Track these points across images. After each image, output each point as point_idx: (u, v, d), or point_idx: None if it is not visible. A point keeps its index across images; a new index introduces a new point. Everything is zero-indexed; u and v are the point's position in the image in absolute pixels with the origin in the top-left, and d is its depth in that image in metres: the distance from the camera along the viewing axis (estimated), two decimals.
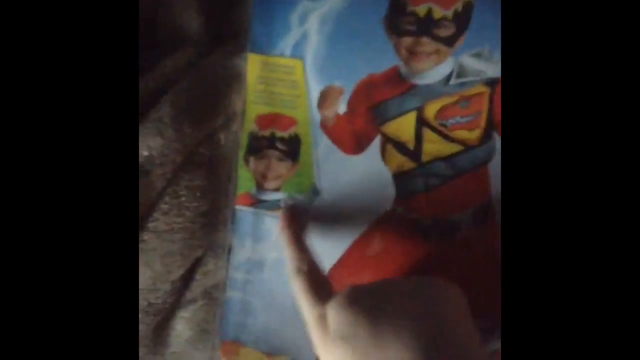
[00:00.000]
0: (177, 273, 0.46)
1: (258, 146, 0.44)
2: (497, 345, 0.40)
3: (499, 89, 0.38)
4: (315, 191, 0.43)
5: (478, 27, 0.38)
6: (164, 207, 0.44)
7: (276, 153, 0.44)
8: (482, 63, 0.38)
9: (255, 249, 0.45)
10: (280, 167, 0.44)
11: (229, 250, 0.46)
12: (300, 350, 0.45)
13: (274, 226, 0.44)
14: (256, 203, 0.45)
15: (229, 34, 0.45)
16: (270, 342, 0.46)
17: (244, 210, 0.45)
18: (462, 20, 0.38)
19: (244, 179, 0.45)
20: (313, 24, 0.41)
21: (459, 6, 0.38)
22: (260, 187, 0.44)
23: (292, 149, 0.43)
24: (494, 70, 0.38)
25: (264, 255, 0.45)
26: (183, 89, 0.44)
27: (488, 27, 0.38)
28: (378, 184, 0.42)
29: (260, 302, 0.46)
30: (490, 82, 0.38)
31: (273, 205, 0.44)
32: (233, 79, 0.44)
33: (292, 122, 0.43)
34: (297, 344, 0.45)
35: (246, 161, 0.44)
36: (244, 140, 0.44)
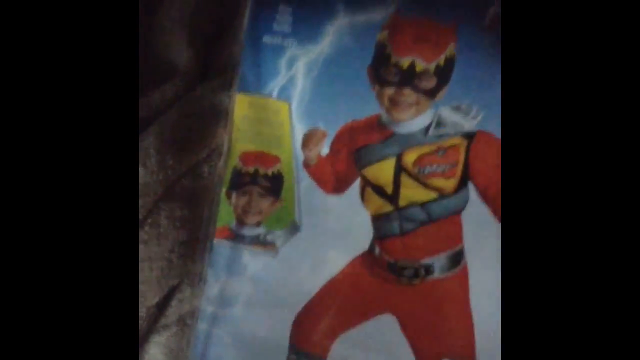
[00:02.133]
0: (153, 300, 0.46)
1: (241, 182, 0.45)
2: None
3: (475, 141, 0.40)
4: (295, 227, 0.44)
5: (459, 81, 0.40)
6: (144, 236, 0.45)
7: (258, 189, 0.45)
8: (461, 116, 0.40)
9: (229, 283, 0.46)
10: (261, 203, 0.45)
11: (205, 281, 0.46)
12: None
13: (251, 261, 0.45)
14: (235, 237, 0.46)
15: (217, 70, 0.47)
16: None
17: (221, 244, 0.46)
18: (443, 74, 0.40)
19: (225, 213, 0.46)
20: (300, 69, 0.43)
21: (441, 60, 0.40)
22: (240, 222, 0.45)
23: (275, 186, 0.45)
24: (470, 124, 0.40)
25: (237, 289, 0.46)
26: (169, 120, 0.45)
27: (469, 82, 0.40)
28: (357, 225, 0.43)
29: (229, 337, 0.46)
30: (467, 135, 0.40)
31: (252, 240, 0.45)
32: (219, 114, 0.46)
33: (276, 160, 0.44)
34: None
35: (228, 196, 0.46)
36: (227, 176, 0.45)
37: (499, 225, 0.40)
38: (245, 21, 0.43)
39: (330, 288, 0.44)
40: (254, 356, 0.46)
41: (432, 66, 0.40)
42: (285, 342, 0.45)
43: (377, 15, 0.41)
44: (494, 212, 0.40)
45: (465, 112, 0.40)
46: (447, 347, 0.42)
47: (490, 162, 0.40)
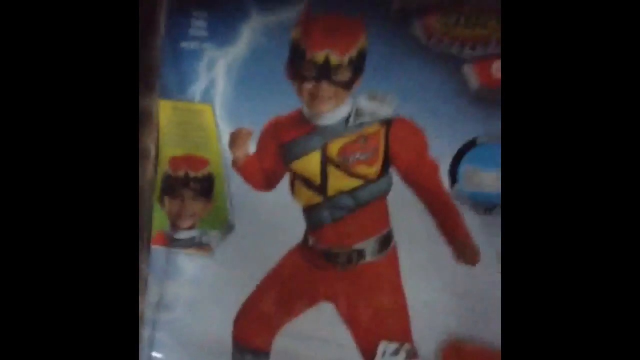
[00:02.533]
0: None
1: (172, 186, 0.45)
2: None
3: (393, 127, 0.42)
4: (228, 227, 0.45)
5: (372, 71, 0.42)
6: None
7: (190, 192, 0.45)
8: (377, 105, 0.42)
9: (168, 287, 0.46)
10: (194, 206, 0.45)
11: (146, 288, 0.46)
12: None
13: (188, 264, 0.46)
14: (170, 242, 0.46)
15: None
16: None
17: (158, 249, 0.46)
18: (357, 65, 0.41)
19: (159, 218, 0.46)
20: (220, 71, 0.43)
21: (353, 53, 0.41)
22: (174, 226, 0.46)
23: (206, 188, 0.45)
24: (387, 110, 0.42)
25: (177, 293, 0.46)
26: None
27: (382, 72, 0.42)
28: (289, 218, 0.44)
29: (174, 340, 0.46)
30: (385, 122, 0.42)
31: (187, 243, 0.46)
32: (143, 118, 0.46)
33: (205, 162, 0.45)
34: None
35: (161, 202, 0.46)
36: (158, 182, 0.46)
37: (423, 205, 0.42)
38: (162, 28, 0.43)
39: (268, 283, 0.45)
40: (198, 357, 0.46)
41: (345, 59, 0.41)
42: (228, 340, 0.45)
43: (289, 14, 0.42)
44: (417, 193, 0.42)
45: (381, 100, 0.42)
46: (384, 328, 0.43)
47: (408, 145, 0.42)
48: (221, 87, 0.44)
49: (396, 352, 0.43)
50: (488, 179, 0.41)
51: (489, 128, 0.41)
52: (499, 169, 0.41)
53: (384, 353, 0.43)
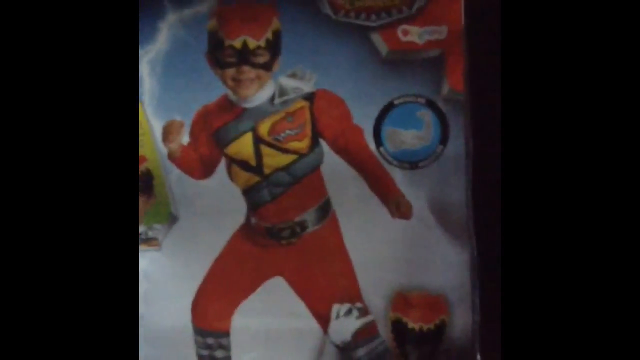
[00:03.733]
0: None
1: None
2: (360, 322, 0.45)
3: (316, 101, 0.44)
4: (173, 219, 0.46)
5: (289, 51, 0.44)
6: None
7: None
8: (298, 81, 0.44)
9: None
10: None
11: None
12: None
13: (139, 260, 0.47)
14: None
15: None
16: None
17: None
18: (274, 47, 0.44)
19: None
20: (144, 69, 0.45)
21: (269, 35, 0.43)
22: None
23: (146, 184, 0.46)
24: (308, 86, 0.44)
25: None
26: None
27: (298, 50, 0.44)
28: (230, 202, 0.46)
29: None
30: (308, 96, 0.44)
31: None
32: None
33: (142, 159, 0.46)
34: None
35: None
36: None
37: (354, 171, 0.45)
38: None
39: (218, 266, 0.46)
40: (164, 347, 0.47)
41: (262, 42, 0.43)
42: (189, 327, 0.47)
43: (203, 7, 0.44)
44: (347, 159, 0.44)
45: (301, 77, 0.44)
46: (334, 291, 0.45)
47: (333, 116, 0.44)
48: (147, 84, 0.45)
49: (349, 312, 0.45)
50: (409, 137, 0.44)
51: (403, 89, 0.43)
52: (418, 127, 0.44)
53: (337, 315, 0.45)
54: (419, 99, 0.43)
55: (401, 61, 0.43)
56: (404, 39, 0.43)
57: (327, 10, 0.43)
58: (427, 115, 0.44)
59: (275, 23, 0.43)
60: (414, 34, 0.43)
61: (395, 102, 0.44)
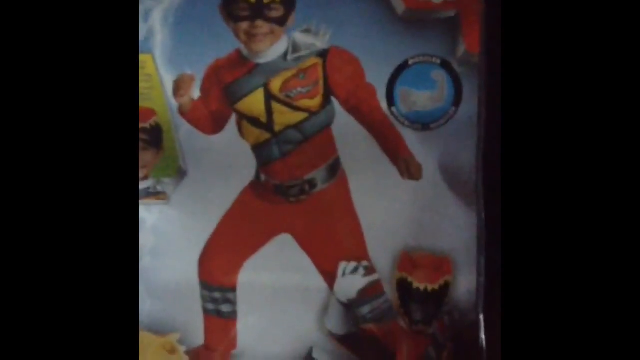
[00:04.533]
0: None
1: None
2: (366, 280, 0.46)
3: (329, 58, 0.43)
4: (181, 173, 0.46)
5: (304, 6, 0.43)
6: None
7: (140, 143, 0.46)
8: (312, 37, 0.43)
9: None
10: (145, 156, 0.46)
11: None
12: (189, 326, 0.48)
13: (147, 214, 0.47)
14: None
15: None
16: (160, 323, 0.48)
17: None
18: (289, 2, 0.43)
19: None
20: (157, 19, 0.44)
21: None
22: None
23: (155, 137, 0.46)
24: (322, 42, 0.43)
25: (141, 242, 0.47)
26: None
27: (313, 5, 0.43)
28: (239, 158, 0.46)
29: (144, 287, 0.48)
30: (321, 53, 0.44)
31: (143, 194, 0.47)
32: None
33: (151, 113, 0.46)
34: (185, 321, 0.48)
35: None
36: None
37: (365, 130, 0.45)
38: None
39: (226, 222, 0.47)
40: (170, 301, 0.48)
41: None
42: (195, 282, 0.47)
43: None
44: (358, 118, 0.44)
45: (315, 33, 0.43)
46: (341, 250, 0.46)
47: (346, 74, 0.44)
48: (159, 36, 0.44)
49: (355, 270, 0.46)
50: (422, 97, 0.44)
51: (418, 48, 0.43)
52: (432, 88, 0.44)
53: (343, 272, 0.46)
54: (434, 59, 0.43)
55: (417, 20, 0.42)
56: None
57: None
58: (441, 76, 0.43)
59: None
60: None
61: (410, 61, 0.43)
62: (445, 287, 0.46)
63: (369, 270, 0.46)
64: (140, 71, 0.45)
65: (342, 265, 0.46)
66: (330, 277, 0.46)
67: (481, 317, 0.46)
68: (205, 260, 0.47)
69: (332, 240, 0.46)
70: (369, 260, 0.46)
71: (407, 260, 0.45)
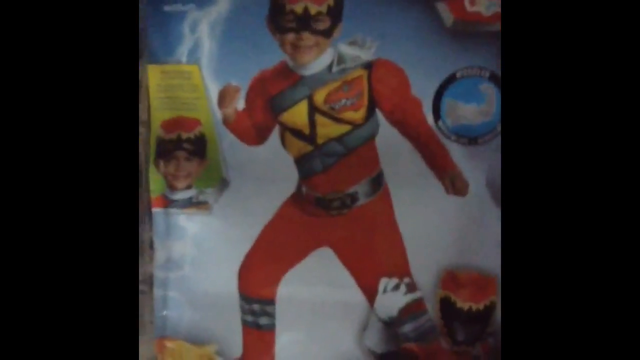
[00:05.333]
0: None
1: (166, 149, 0.47)
2: (409, 298, 0.45)
3: (374, 70, 0.43)
4: (224, 183, 0.46)
5: (350, 18, 0.43)
6: None
7: (184, 153, 0.47)
8: (357, 49, 0.43)
9: (173, 247, 0.47)
10: (189, 166, 0.47)
11: (153, 249, 0.48)
12: (227, 338, 0.48)
13: (188, 224, 0.47)
14: (170, 204, 0.47)
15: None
16: (198, 334, 0.48)
17: (159, 212, 0.47)
18: (335, 14, 0.43)
19: (156, 182, 0.47)
20: (204, 30, 0.45)
21: (331, 1, 0.42)
22: (172, 188, 0.47)
23: (199, 147, 0.46)
24: (367, 54, 0.43)
25: (182, 252, 0.47)
26: None
27: (359, 17, 0.43)
28: (282, 170, 0.46)
29: (184, 297, 0.48)
30: (367, 65, 0.43)
31: (186, 204, 0.47)
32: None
33: (196, 123, 0.46)
34: (224, 333, 0.48)
35: (157, 165, 0.47)
36: (152, 146, 0.47)
37: (410, 144, 0.44)
38: None
39: (267, 233, 0.46)
40: (209, 312, 0.48)
41: (324, 7, 0.42)
42: (235, 293, 0.47)
43: None
44: (403, 132, 0.44)
45: (361, 45, 0.43)
46: (382, 265, 0.45)
47: (391, 86, 0.43)
48: (206, 46, 0.45)
49: (397, 287, 0.44)
50: (469, 111, 0.43)
51: (467, 61, 0.42)
52: (480, 101, 0.43)
53: (385, 289, 0.45)
54: (483, 72, 0.42)
55: (466, 32, 0.42)
56: (470, 8, 0.41)
57: None
58: (490, 90, 0.42)
59: None
60: (481, 4, 0.41)
61: (458, 74, 0.42)
62: (491, 307, 0.44)
63: (411, 287, 0.45)
64: (187, 81, 0.45)
65: (384, 281, 0.45)
66: (370, 293, 0.45)
67: None
68: (245, 272, 0.47)
69: (373, 255, 0.45)
70: (411, 277, 0.45)
71: (451, 278, 0.44)
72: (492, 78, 0.42)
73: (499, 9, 0.41)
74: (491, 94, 0.42)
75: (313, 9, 0.43)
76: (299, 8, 0.43)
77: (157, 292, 0.47)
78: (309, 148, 0.45)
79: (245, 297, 0.47)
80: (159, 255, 0.47)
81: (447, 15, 0.42)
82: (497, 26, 0.42)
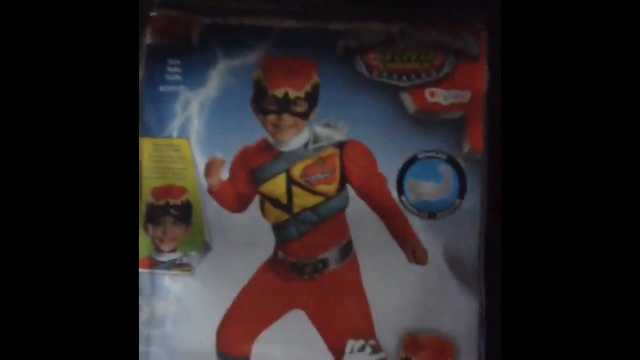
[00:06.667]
0: None
1: (155, 215, 0.51)
2: (374, 359, 0.48)
3: (346, 149, 0.48)
4: (207, 247, 0.50)
5: (326, 103, 0.48)
6: None
7: (171, 219, 0.51)
8: (331, 131, 0.49)
9: (157, 306, 0.51)
10: (175, 231, 0.51)
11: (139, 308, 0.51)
12: None
13: (172, 284, 0.51)
14: (155, 265, 0.51)
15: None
16: None
17: (145, 273, 0.51)
18: (312, 99, 0.48)
19: (144, 245, 0.51)
20: (194, 110, 0.50)
21: (309, 88, 0.48)
22: (158, 251, 0.51)
23: (185, 214, 0.51)
24: (340, 135, 0.48)
25: (165, 310, 0.51)
26: None
27: (334, 103, 0.49)
28: (260, 236, 0.50)
29: (165, 354, 0.50)
30: (339, 145, 0.48)
31: (170, 265, 0.51)
32: None
33: (184, 191, 0.51)
34: None
35: (145, 229, 0.51)
36: (142, 212, 0.51)
37: (376, 216, 0.48)
38: (142, 75, 0.50)
39: (245, 295, 0.50)
40: None
41: (302, 93, 0.48)
42: (213, 350, 0.50)
43: (251, 58, 0.49)
44: (371, 205, 0.48)
45: (334, 127, 0.48)
46: (350, 328, 0.48)
47: (360, 164, 0.48)
48: (196, 124, 0.50)
49: (362, 349, 0.48)
50: (429, 189, 0.48)
51: (427, 145, 0.47)
52: (439, 180, 0.48)
53: (352, 350, 0.48)
54: (441, 155, 0.47)
55: (427, 120, 0.47)
56: (430, 100, 0.47)
57: (363, 69, 0.48)
58: (447, 170, 0.48)
59: (315, 78, 0.48)
60: (440, 96, 0.47)
61: (419, 156, 0.48)
62: None
63: (376, 349, 0.48)
64: (177, 154, 0.50)
65: (351, 342, 0.48)
66: (338, 354, 0.48)
67: None
68: (223, 331, 0.50)
69: (341, 318, 0.49)
70: (376, 339, 0.48)
71: (412, 341, 0.48)
72: (450, 160, 0.47)
73: (456, 100, 0.47)
74: (448, 175, 0.48)
75: (293, 95, 0.48)
76: (280, 93, 0.48)
77: (141, 347, 0.50)
78: (286, 217, 0.49)
79: (223, 354, 0.50)
80: (143, 312, 0.50)
81: (411, 105, 0.47)
82: (454, 115, 0.47)
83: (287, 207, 0.49)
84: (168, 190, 0.51)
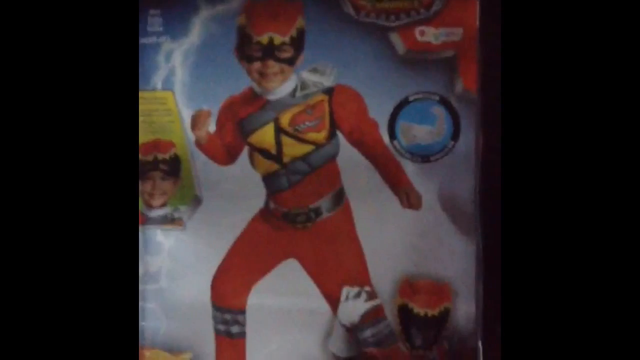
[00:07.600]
0: None
1: (143, 170, 0.50)
2: (369, 305, 0.48)
3: (335, 95, 0.47)
4: (197, 201, 0.50)
5: (312, 47, 0.47)
6: None
7: (159, 173, 0.50)
8: (319, 76, 0.47)
9: (150, 262, 0.50)
10: (164, 185, 0.50)
11: None
12: (201, 346, 0.51)
13: (164, 239, 0.50)
14: (147, 221, 0.50)
15: None
16: (174, 343, 0.51)
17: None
18: (298, 44, 0.47)
19: None
20: (177, 60, 0.48)
21: (294, 32, 0.46)
22: (148, 206, 0.50)
23: (174, 168, 0.50)
24: (328, 80, 0.47)
25: (159, 266, 0.50)
26: None
27: (320, 47, 0.47)
28: (250, 187, 0.49)
29: (160, 309, 0.51)
30: (327, 91, 0.47)
31: (161, 220, 0.50)
32: None
33: (171, 145, 0.50)
34: (198, 341, 0.51)
35: None
36: None
37: (368, 162, 0.47)
38: None
39: (237, 247, 0.50)
40: (184, 322, 0.51)
41: (287, 38, 0.46)
42: (208, 304, 0.50)
43: (234, 3, 0.47)
44: (362, 151, 0.47)
45: (322, 72, 0.47)
46: (344, 275, 0.48)
47: (350, 110, 0.47)
48: (180, 75, 0.48)
49: (357, 295, 0.48)
50: (422, 132, 0.47)
51: (418, 86, 0.46)
52: (431, 122, 0.47)
53: (347, 297, 0.48)
54: (433, 96, 0.46)
55: (417, 60, 0.46)
56: (420, 39, 0.46)
57: (350, 10, 0.46)
58: (440, 112, 0.46)
59: (300, 21, 0.46)
60: (430, 35, 0.46)
61: (410, 98, 0.46)
62: (445, 313, 0.47)
63: (371, 295, 0.48)
64: (162, 107, 0.49)
65: (345, 290, 0.48)
66: (334, 301, 0.48)
67: (480, 343, 0.47)
68: (217, 283, 0.50)
69: (335, 265, 0.48)
70: (371, 285, 0.48)
71: (408, 286, 0.47)
72: (442, 101, 0.46)
73: (446, 39, 0.46)
74: (441, 116, 0.46)
75: (277, 40, 0.46)
76: (264, 39, 0.47)
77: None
78: (275, 167, 0.48)
79: (218, 307, 0.50)
80: (138, 269, 0.50)
81: (400, 45, 0.46)
82: (446, 53, 0.46)
83: (277, 157, 0.48)
84: (155, 145, 0.50)
